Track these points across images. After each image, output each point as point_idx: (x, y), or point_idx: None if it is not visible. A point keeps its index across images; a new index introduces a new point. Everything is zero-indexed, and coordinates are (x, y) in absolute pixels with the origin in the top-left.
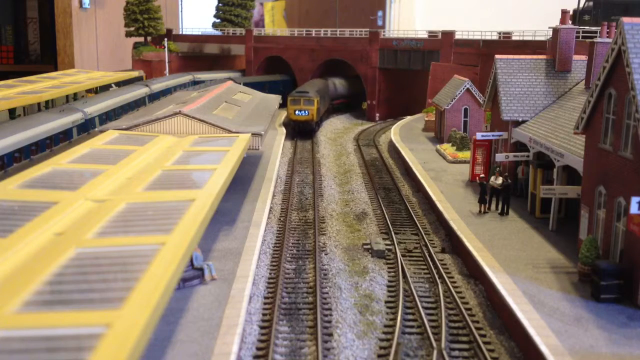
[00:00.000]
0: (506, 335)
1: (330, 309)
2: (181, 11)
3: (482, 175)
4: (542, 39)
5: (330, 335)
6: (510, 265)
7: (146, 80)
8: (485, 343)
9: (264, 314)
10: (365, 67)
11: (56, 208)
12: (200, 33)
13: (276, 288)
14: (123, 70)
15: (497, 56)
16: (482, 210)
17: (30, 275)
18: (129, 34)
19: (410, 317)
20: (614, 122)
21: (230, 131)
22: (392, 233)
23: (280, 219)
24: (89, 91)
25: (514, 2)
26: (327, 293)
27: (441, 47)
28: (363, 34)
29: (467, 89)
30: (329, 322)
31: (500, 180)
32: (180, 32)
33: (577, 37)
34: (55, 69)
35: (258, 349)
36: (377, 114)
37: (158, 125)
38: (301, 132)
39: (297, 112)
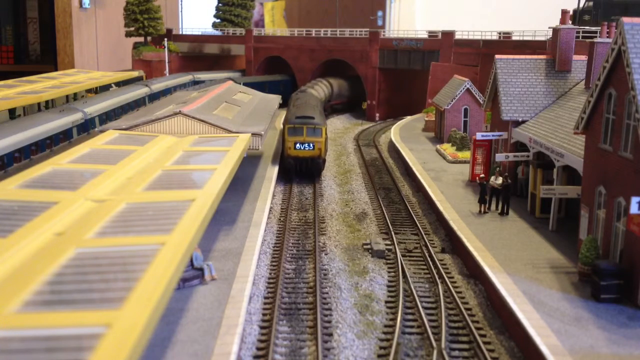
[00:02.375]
0: (506, 335)
1: (330, 309)
2: (181, 11)
3: (482, 175)
4: (542, 39)
5: (330, 335)
6: (510, 265)
7: (146, 80)
8: (485, 343)
9: (264, 314)
10: (365, 67)
11: (56, 208)
12: (200, 33)
13: (276, 288)
14: (123, 70)
15: (497, 56)
16: (482, 210)
17: (30, 275)
18: (129, 34)
19: (410, 317)
20: (614, 122)
21: (230, 131)
22: (392, 233)
23: (280, 219)
24: (89, 91)
25: (514, 2)
26: (327, 293)
27: (441, 47)
28: (363, 34)
29: (467, 89)
30: (329, 322)
31: (500, 180)
32: (180, 32)
33: (577, 37)
34: (55, 69)
35: (258, 349)
36: (377, 114)
37: (158, 125)
38: (303, 172)
39: (298, 145)
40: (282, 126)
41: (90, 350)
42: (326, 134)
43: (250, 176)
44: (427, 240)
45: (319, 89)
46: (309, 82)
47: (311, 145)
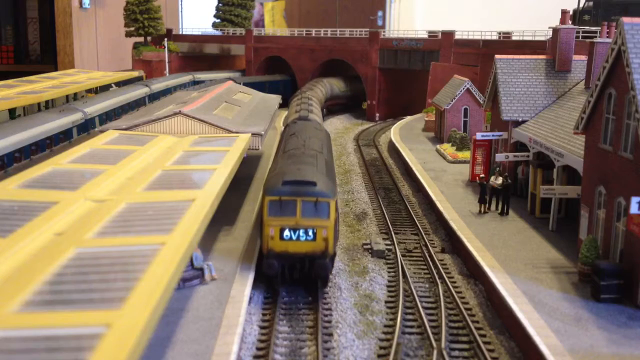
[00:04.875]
0: (506, 335)
1: (330, 309)
2: (181, 11)
3: (482, 175)
4: (542, 39)
5: (330, 335)
6: (510, 265)
7: (146, 80)
8: (485, 343)
9: (264, 314)
10: (365, 67)
11: (56, 208)
12: (200, 33)
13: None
14: (123, 70)
15: (497, 56)
16: (482, 210)
17: (30, 275)
18: (129, 34)
19: (410, 317)
20: (614, 122)
21: (230, 131)
22: (392, 233)
23: None
24: (89, 91)
25: (514, 2)
26: (327, 293)
27: (441, 47)
28: (363, 34)
29: (467, 89)
30: (329, 322)
31: (500, 180)
32: (180, 32)
33: (577, 37)
34: (55, 69)
35: (258, 349)
36: (377, 114)
37: (158, 125)
38: (296, 279)
39: (287, 233)
40: (261, 194)
41: (90, 350)
42: (337, 210)
43: (250, 176)
44: (427, 240)
45: (318, 99)
46: (306, 87)
47: (310, 234)
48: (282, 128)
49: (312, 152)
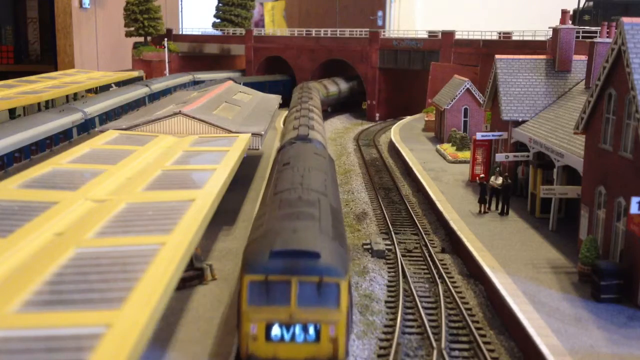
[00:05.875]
0: (506, 335)
1: None
2: (181, 11)
3: (482, 175)
4: (542, 39)
5: None
6: (510, 265)
7: (146, 80)
8: (485, 343)
9: None
10: (365, 67)
11: (56, 208)
12: (200, 33)
13: None
14: (123, 70)
15: (497, 56)
16: (482, 210)
17: (30, 275)
18: (129, 34)
19: (410, 317)
20: (614, 122)
21: (230, 131)
22: (392, 233)
23: None
24: (89, 91)
25: (514, 2)
26: None
27: (441, 47)
28: (363, 34)
29: (467, 89)
30: None
31: (500, 180)
32: (180, 32)
33: (577, 37)
34: (55, 69)
35: None
36: (377, 114)
37: (158, 125)
38: None
39: (276, 331)
40: (239, 272)
41: (90, 350)
42: (350, 293)
43: (250, 176)
44: (427, 240)
45: (319, 109)
46: (305, 95)
47: (311, 332)
48: (277, 147)
49: (312, 195)
